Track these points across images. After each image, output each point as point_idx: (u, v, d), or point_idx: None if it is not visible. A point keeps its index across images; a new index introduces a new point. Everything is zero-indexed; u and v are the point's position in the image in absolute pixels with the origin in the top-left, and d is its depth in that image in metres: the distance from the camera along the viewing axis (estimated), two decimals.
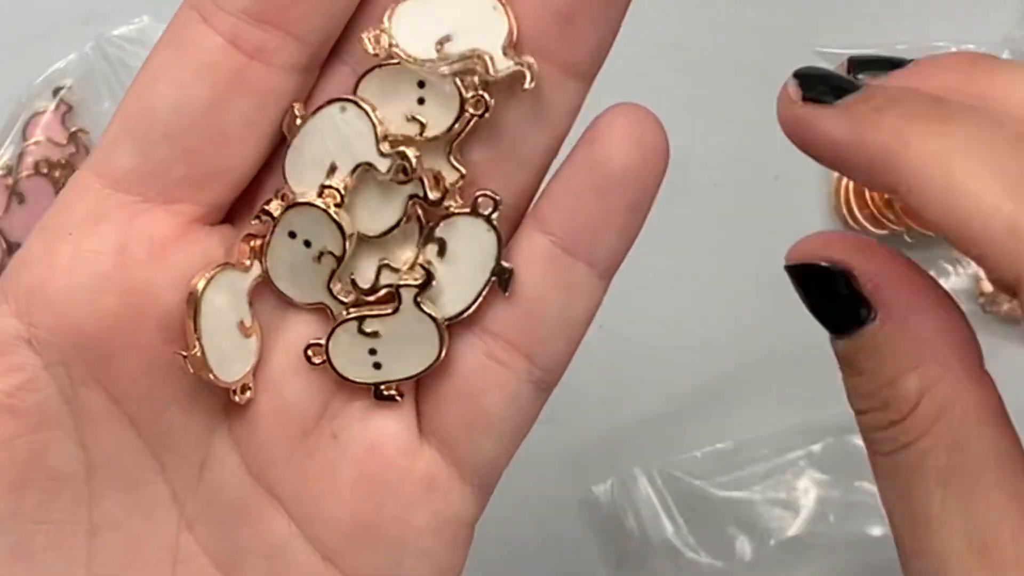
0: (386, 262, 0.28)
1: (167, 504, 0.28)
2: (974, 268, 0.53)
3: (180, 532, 0.28)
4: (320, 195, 0.27)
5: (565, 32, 0.26)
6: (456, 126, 0.27)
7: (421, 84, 0.27)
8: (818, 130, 0.25)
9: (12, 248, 0.54)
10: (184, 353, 0.26)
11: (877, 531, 0.52)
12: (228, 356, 0.27)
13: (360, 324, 0.28)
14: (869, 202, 0.53)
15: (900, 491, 0.25)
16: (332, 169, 0.27)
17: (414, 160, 0.27)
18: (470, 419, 0.28)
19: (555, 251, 0.27)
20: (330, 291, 0.28)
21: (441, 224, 0.28)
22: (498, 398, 0.28)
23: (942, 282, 0.53)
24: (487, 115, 0.27)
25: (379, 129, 0.27)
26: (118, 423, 0.27)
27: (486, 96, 0.26)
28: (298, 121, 0.27)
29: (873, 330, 0.25)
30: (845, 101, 0.25)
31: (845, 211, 0.54)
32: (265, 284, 0.28)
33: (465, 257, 0.28)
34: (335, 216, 0.27)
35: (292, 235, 0.27)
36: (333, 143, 0.27)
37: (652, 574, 0.52)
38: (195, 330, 0.26)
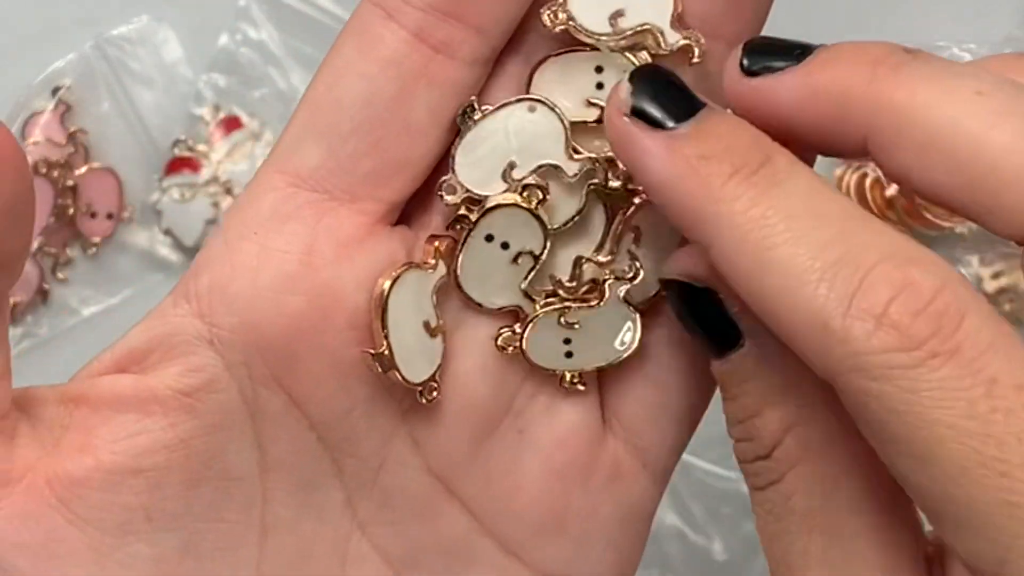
0: (586, 257, 0.28)
1: (340, 506, 0.28)
2: (974, 269, 0.53)
3: (352, 533, 0.28)
4: (520, 194, 0.27)
5: (731, 8, 0.27)
6: None
7: (599, 69, 0.27)
8: (641, 160, 0.24)
9: None
10: (372, 351, 0.26)
11: None
12: (415, 356, 0.27)
13: (560, 316, 0.28)
14: (870, 202, 0.53)
15: (770, 531, 0.25)
16: (511, 166, 0.27)
17: (604, 164, 0.27)
18: (655, 406, 0.28)
19: None
20: (524, 292, 0.27)
21: (638, 211, 0.28)
22: (681, 383, 0.28)
23: None
24: None
25: (568, 131, 0.27)
26: (297, 425, 0.27)
27: None
28: (476, 115, 0.27)
29: (740, 356, 0.25)
30: (678, 131, 0.24)
31: None
32: (448, 286, 0.28)
33: (657, 243, 0.28)
34: (541, 216, 0.27)
35: (489, 238, 0.27)
36: (517, 141, 0.27)
37: (660, 556, 0.52)
38: (383, 329, 0.26)
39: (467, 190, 0.27)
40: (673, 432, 0.28)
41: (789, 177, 0.23)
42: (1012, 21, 0.53)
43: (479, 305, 0.27)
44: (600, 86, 0.27)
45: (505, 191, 0.27)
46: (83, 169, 0.54)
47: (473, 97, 0.27)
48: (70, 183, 0.53)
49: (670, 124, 0.24)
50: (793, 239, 0.22)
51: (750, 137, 0.24)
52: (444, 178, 0.27)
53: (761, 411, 0.25)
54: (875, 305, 0.21)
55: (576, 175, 0.27)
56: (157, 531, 0.26)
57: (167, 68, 0.55)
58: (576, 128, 0.27)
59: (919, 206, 0.53)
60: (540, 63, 0.27)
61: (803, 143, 0.24)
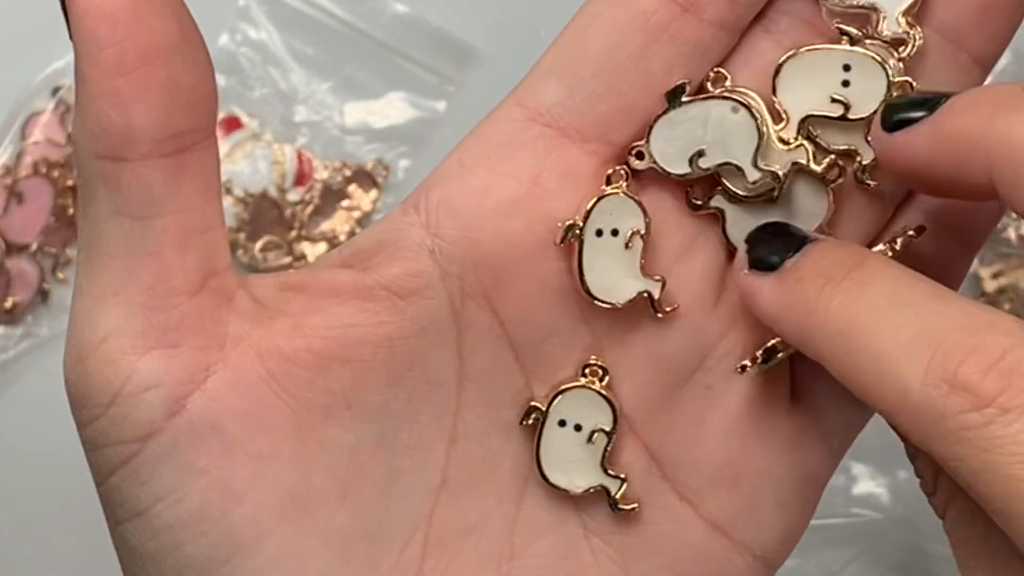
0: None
1: (529, 431, 0.29)
2: (974, 269, 0.53)
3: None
4: (584, 374, 0.29)
5: (979, 20, 0.28)
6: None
7: (847, 68, 0.28)
8: (759, 307, 0.26)
9: (11, 248, 0.54)
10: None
11: (881, 516, 0.52)
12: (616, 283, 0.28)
13: None
14: None
15: (957, 561, 0.26)
16: (699, 154, 0.28)
17: (784, 182, 0.28)
18: (840, 388, 0.28)
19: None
20: (604, 470, 0.29)
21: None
22: None
23: None
24: None
25: (763, 141, 0.28)
26: (498, 342, 0.28)
27: (912, 83, 0.27)
28: (685, 97, 0.28)
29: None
30: (783, 269, 0.26)
31: None
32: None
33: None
34: (605, 393, 0.28)
35: (562, 423, 0.29)
36: (712, 134, 0.28)
37: None
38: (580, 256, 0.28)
39: (654, 161, 0.28)
40: (855, 413, 0.29)
41: (875, 277, 0.25)
42: None
43: (564, 491, 0.29)
44: (846, 84, 0.28)
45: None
46: None
47: (687, 80, 0.28)
48: (70, 183, 0.54)
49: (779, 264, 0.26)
50: (875, 328, 0.24)
51: (844, 251, 0.26)
52: (637, 143, 0.28)
53: (919, 452, 0.26)
54: (947, 371, 0.23)
55: (756, 183, 0.28)
56: (355, 420, 0.27)
57: None
58: (818, 122, 0.28)
59: None
60: (791, 56, 0.28)
61: (942, 191, 0.26)
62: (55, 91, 0.53)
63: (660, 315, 0.28)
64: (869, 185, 0.28)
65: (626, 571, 0.29)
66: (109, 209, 0.26)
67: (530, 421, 0.29)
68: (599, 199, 0.28)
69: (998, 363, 0.22)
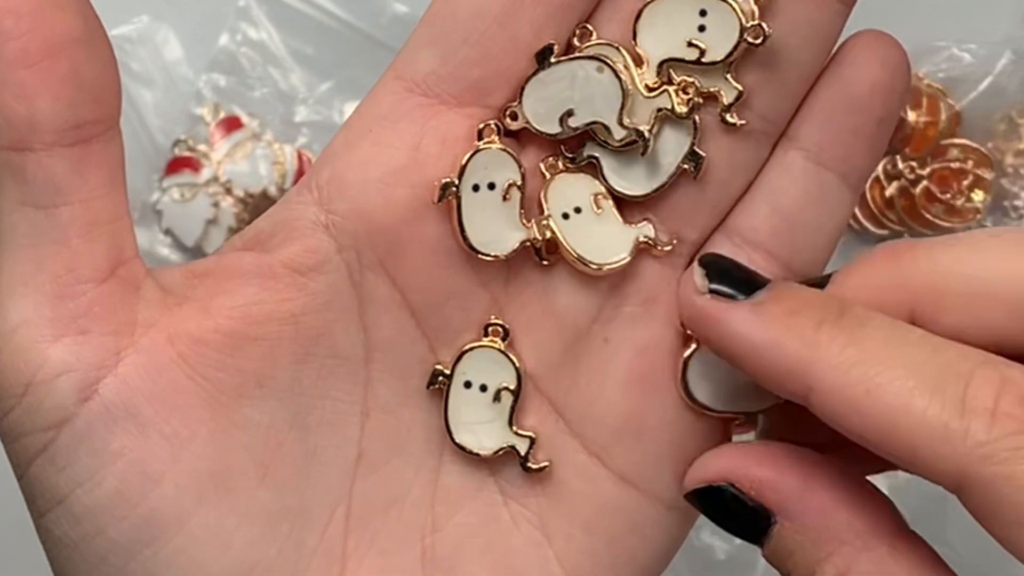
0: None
1: (438, 397, 0.29)
2: None
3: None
4: (486, 334, 0.29)
5: None
6: (735, 53, 0.28)
7: (703, 12, 0.28)
8: (730, 330, 0.26)
9: None
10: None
11: None
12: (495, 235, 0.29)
13: None
14: (870, 202, 0.53)
15: None
16: (568, 113, 0.28)
17: (649, 139, 0.28)
18: None
19: (809, 165, 0.29)
20: (512, 429, 0.29)
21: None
22: None
23: None
24: (764, 44, 0.28)
25: (628, 100, 0.28)
26: (400, 310, 0.29)
27: (765, 27, 0.28)
28: (552, 59, 0.28)
29: (777, 532, 0.27)
30: (757, 299, 0.27)
31: None
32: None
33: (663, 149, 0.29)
34: (508, 353, 0.29)
35: (468, 384, 0.29)
36: (580, 93, 0.28)
37: None
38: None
39: (527, 121, 0.29)
40: None
41: (870, 319, 0.26)
42: (1012, 21, 0.53)
43: (476, 454, 0.29)
44: (702, 28, 0.28)
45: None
46: None
47: (554, 41, 0.28)
48: None
49: (742, 298, 0.27)
50: (893, 366, 0.24)
51: (823, 295, 0.27)
52: (510, 104, 0.29)
53: (816, 569, 0.26)
54: (986, 401, 0.24)
55: (622, 141, 0.29)
56: (268, 398, 0.28)
57: (167, 68, 0.55)
58: (675, 65, 0.29)
59: (919, 206, 0.53)
60: (650, 1, 0.28)
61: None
62: None
63: (545, 262, 0.29)
64: (735, 125, 0.29)
65: (545, 533, 0.30)
66: (15, 200, 0.26)
67: (437, 385, 0.29)
68: (473, 154, 0.28)
69: None
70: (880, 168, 0.53)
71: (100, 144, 0.27)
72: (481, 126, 0.28)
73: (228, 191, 0.55)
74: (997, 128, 0.53)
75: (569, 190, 0.29)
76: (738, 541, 0.53)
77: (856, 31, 0.29)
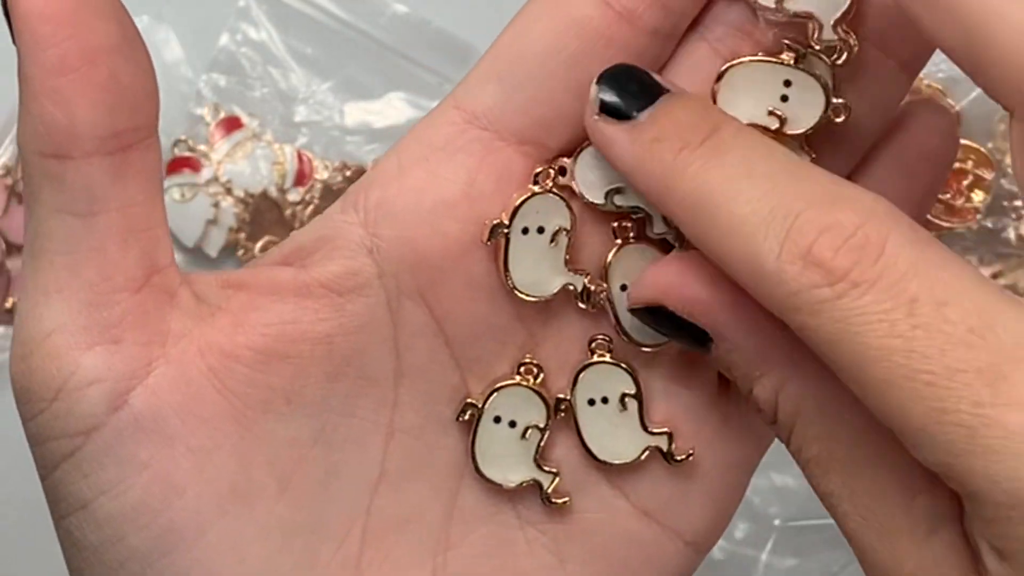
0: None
1: (464, 426, 0.30)
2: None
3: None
4: (519, 371, 0.29)
5: (909, 30, 0.28)
6: (816, 126, 0.28)
7: (787, 83, 0.28)
8: (610, 153, 0.27)
9: (12, 248, 0.54)
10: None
11: None
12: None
13: None
14: None
15: (812, 485, 0.27)
16: (617, 191, 0.29)
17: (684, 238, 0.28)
18: None
19: None
20: (537, 464, 0.29)
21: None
22: None
23: None
24: (845, 121, 0.28)
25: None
26: (434, 339, 0.29)
27: (848, 104, 0.28)
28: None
29: (714, 349, 0.27)
30: (637, 120, 0.27)
31: None
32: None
33: None
34: (540, 391, 0.29)
35: (497, 419, 0.29)
36: None
37: None
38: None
39: (574, 180, 0.29)
40: None
41: (732, 145, 0.26)
42: None
43: (498, 485, 0.29)
44: (785, 98, 0.28)
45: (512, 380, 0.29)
46: None
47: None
48: None
49: (634, 114, 0.27)
50: (732, 198, 0.25)
51: (699, 114, 0.26)
52: (562, 158, 0.29)
53: (752, 389, 0.27)
54: (801, 247, 0.24)
55: (661, 234, 0.29)
56: (295, 415, 0.28)
57: (167, 68, 0.55)
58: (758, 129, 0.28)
59: None
60: (734, 65, 0.28)
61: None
62: None
63: (585, 307, 0.29)
64: None
65: (559, 558, 0.30)
66: (52, 207, 0.26)
67: (466, 417, 0.29)
68: (526, 198, 0.28)
69: (850, 239, 0.23)
70: None
71: (138, 152, 0.27)
72: (539, 170, 0.28)
73: (228, 191, 0.55)
74: (997, 128, 0.53)
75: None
76: (738, 539, 0.53)
77: (910, 100, 0.30)
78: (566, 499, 0.29)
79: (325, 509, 0.28)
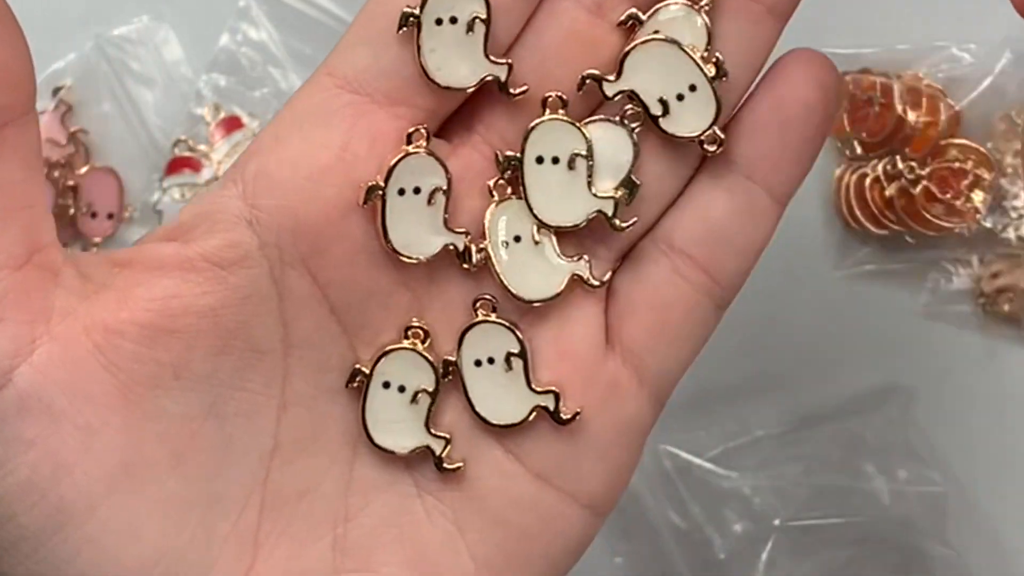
0: None
1: (355, 394, 0.30)
2: (974, 269, 0.53)
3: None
4: (407, 336, 0.29)
5: None
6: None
7: (692, 87, 0.29)
8: None
9: None
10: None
11: (870, 518, 0.52)
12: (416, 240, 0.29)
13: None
14: (870, 202, 0.53)
15: None
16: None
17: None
18: (656, 330, 0.30)
19: (738, 178, 0.29)
20: (428, 430, 0.29)
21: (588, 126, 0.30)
22: (682, 311, 0.30)
23: (943, 282, 0.53)
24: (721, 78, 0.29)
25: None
26: (319, 307, 0.29)
27: (719, 57, 0.29)
28: None
29: None
30: None
31: (845, 211, 0.54)
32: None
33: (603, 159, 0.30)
34: (426, 355, 0.29)
35: (386, 385, 0.29)
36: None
37: (660, 556, 0.52)
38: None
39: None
40: (671, 355, 0.30)
41: None
42: (1012, 21, 0.53)
43: (391, 452, 0.29)
44: (681, 97, 0.29)
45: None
46: (84, 169, 0.54)
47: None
48: (71, 183, 0.53)
49: None
50: None
51: None
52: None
53: None
54: None
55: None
56: (184, 390, 0.28)
57: (167, 68, 0.55)
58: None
59: (919, 206, 0.53)
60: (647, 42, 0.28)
61: None
62: (55, 91, 0.53)
63: (467, 267, 0.29)
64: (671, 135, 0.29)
65: (458, 527, 0.30)
66: None
67: (355, 384, 0.29)
68: (400, 158, 0.28)
69: None
70: (880, 168, 0.53)
71: (14, 129, 0.27)
72: (411, 130, 0.28)
73: None
74: (997, 128, 0.53)
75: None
76: (738, 539, 0.53)
77: (790, 49, 0.30)
78: (459, 464, 0.29)
79: (220, 483, 0.28)
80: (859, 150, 0.54)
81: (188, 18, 0.55)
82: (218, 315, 0.28)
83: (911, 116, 0.52)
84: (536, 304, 0.29)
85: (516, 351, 0.29)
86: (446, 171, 0.29)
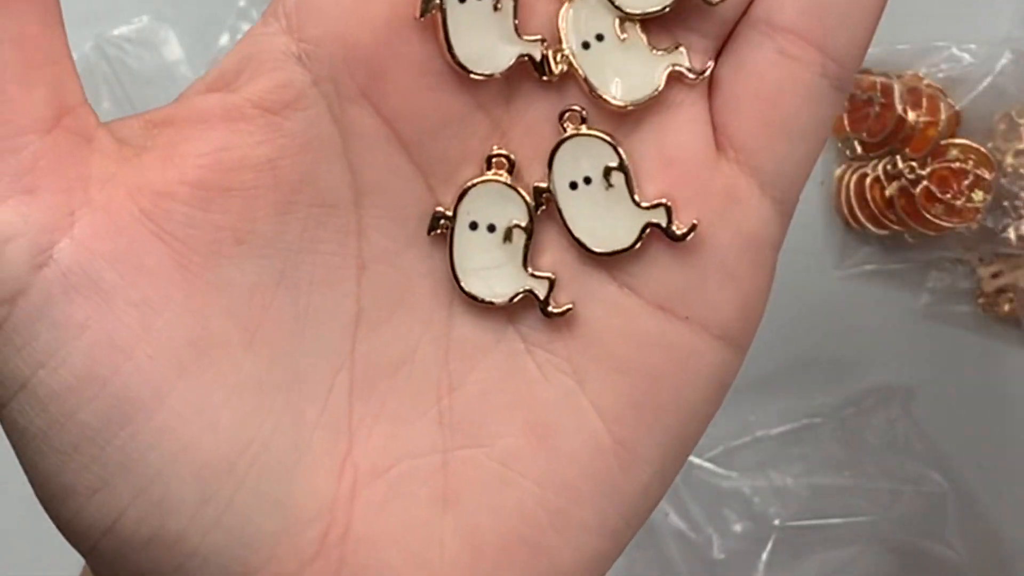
0: None
1: (441, 242, 0.26)
2: (975, 268, 0.53)
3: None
4: (489, 166, 0.26)
5: None
6: None
7: None
8: None
9: None
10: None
11: (870, 518, 0.52)
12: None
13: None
14: (870, 202, 0.53)
15: None
16: None
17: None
18: (767, 122, 0.26)
19: None
20: (528, 271, 0.26)
21: None
22: (796, 96, 0.26)
23: (942, 282, 0.53)
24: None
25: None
26: (389, 145, 0.25)
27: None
28: None
29: None
30: None
31: (846, 211, 0.54)
32: None
33: None
34: (514, 185, 0.26)
35: (473, 226, 0.26)
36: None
37: (660, 556, 0.52)
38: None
39: None
40: (789, 150, 0.26)
41: None
42: (1012, 21, 0.53)
43: (489, 303, 0.26)
44: None
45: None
46: None
47: None
48: None
49: None
50: None
51: None
52: None
53: None
54: None
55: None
56: (249, 257, 0.25)
57: (167, 68, 0.55)
58: None
59: (919, 206, 0.53)
60: None
61: None
62: None
63: (547, 78, 0.26)
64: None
65: (578, 380, 0.26)
66: None
67: (439, 230, 0.26)
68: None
69: None
70: (880, 168, 0.53)
71: None
72: None
73: None
74: (997, 128, 0.53)
75: (591, 13, 0.25)
76: (738, 539, 0.53)
77: None
78: (568, 306, 0.26)
79: (301, 362, 0.25)
80: (859, 150, 0.54)
81: (188, 18, 0.55)
82: (277, 167, 0.25)
83: (911, 116, 0.52)
84: (631, 108, 0.26)
85: (615, 164, 0.26)
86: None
